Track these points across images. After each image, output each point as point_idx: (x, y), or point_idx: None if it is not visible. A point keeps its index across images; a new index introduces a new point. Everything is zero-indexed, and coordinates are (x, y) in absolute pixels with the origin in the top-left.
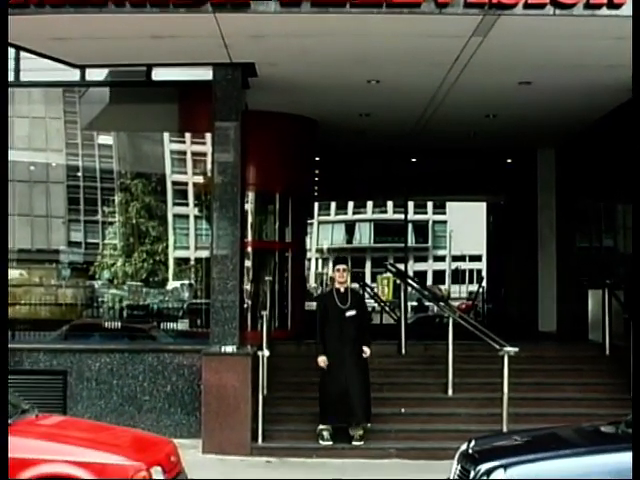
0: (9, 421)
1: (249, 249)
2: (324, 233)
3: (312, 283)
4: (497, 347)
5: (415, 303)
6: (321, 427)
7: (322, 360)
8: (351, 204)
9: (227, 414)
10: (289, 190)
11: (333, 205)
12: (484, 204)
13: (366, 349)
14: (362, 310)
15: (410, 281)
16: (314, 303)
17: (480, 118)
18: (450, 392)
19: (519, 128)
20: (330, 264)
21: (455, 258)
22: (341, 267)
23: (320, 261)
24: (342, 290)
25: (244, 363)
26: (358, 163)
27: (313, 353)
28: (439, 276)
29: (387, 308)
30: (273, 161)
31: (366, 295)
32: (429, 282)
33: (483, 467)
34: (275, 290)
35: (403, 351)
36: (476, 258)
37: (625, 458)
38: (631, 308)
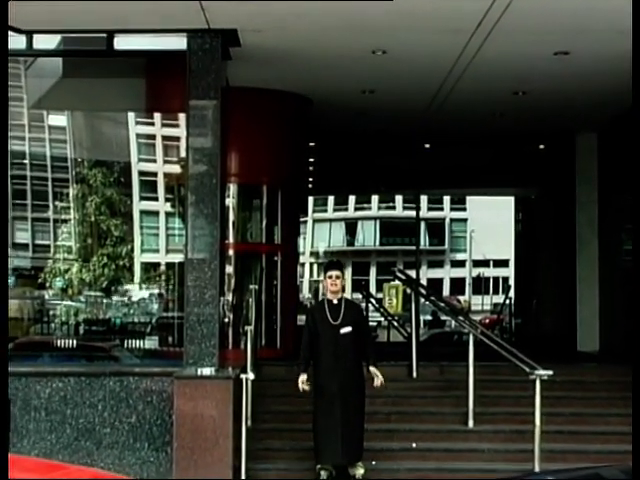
0: None
1: (231, 252)
2: (320, 233)
3: (306, 293)
4: (527, 370)
5: (429, 317)
6: (319, 466)
7: (301, 381)
8: (352, 199)
9: (204, 450)
10: (278, 182)
11: (331, 200)
12: (512, 199)
13: (376, 372)
14: (360, 325)
15: (423, 291)
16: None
17: (507, 96)
18: (471, 423)
19: (554, 108)
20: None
21: (477, 263)
22: (333, 273)
23: (315, 266)
24: (335, 302)
25: (224, 388)
26: (361, 150)
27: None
28: (458, 285)
29: (395, 323)
30: (259, 147)
31: (370, 307)
32: (446, 292)
33: None
34: (262, 301)
35: (414, 374)
36: (502, 263)
37: None
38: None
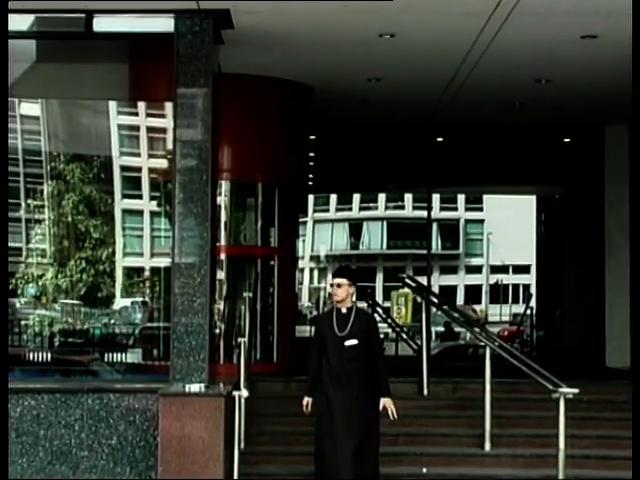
0: None
1: (222, 256)
2: (321, 235)
3: (306, 301)
4: (550, 387)
5: (441, 329)
6: None
7: (305, 403)
8: (357, 197)
9: (192, 474)
10: (275, 179)
11: (333, 199)
12: (533, 198)
13: (387, 402)
14: (369, 338)
15: (435, 299)
16: (308, 328)
17: (529, 83)
18: (487, 447)
19: (581, 97)
20: (329, 276)
21: (495, 269)
22: (334, 282)
23: (316, 272)
24: (344, 310)
25: (215, 407)
26: (366, 144)
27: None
28: (473, 293)
29: (404, 335)
30: (254, 140)
31: (376, 317)
32: (460, 301)
33: None
34: (257, 310)
35: (425, 391)
36: (522, 269)
37: None
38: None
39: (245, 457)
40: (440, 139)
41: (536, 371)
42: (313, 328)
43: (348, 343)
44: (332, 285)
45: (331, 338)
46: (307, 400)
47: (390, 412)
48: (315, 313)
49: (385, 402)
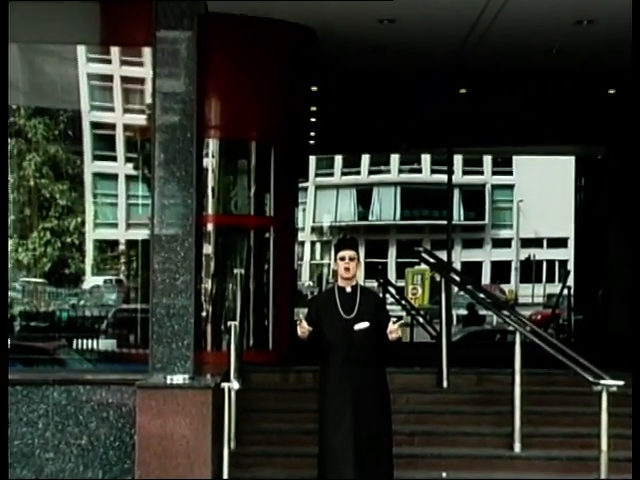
0: None
1: (210, 227)
2: (325, 203)
3: (306, 279)
4: (591, 379)
5: (464, 311)
6: None
7: (300, 328)
8: (366, 159)
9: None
10: (271, 137)
11: (338, 160)
12: (571, 159)
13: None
14: (380, 320)
15: (456, 278)
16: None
17: (567, 25)
18: (517, 448)
19: (628, 40)
20: (332, 250)
21: (526, 243)
22: (346, 254)
23: (318, 246)
24: (348, 290)
25: (201, 401)
26: (377, 96)
27: (307, 385)
28: (502, 270)
29: (421, 319)
30: (247, 92)
31: (388, 299)
32: (486, 280)
33: None
34: (249, 290)
35: (445, 383)
36: (559, 243)
37: None
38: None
39: (236, 459)
40: (463, 90)
41: (574, 360)
42: (307, 311)
43: (358, 327)
44: (342, 259)
45: (336, 322)
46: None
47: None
48: (321, 291)
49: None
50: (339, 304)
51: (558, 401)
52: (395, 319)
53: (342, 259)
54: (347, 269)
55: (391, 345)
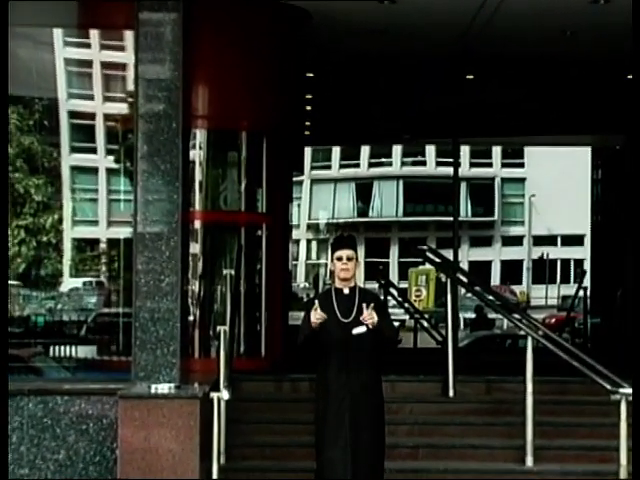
0: None
1: (197, 224)
2: (321, 199)
3: (301, 281)
4: (609, 387)
5: (472, 315)
6: None
7: (316, 314)
8: (366, 151)
9: None
10: (263, 127)
11: (336, 152)
12: (588, 150)
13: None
14: (381, 319)
15: (464, 278)
16: (304, 314)
17: (582, 5)
18: (530, 462)
19: None
20: (329, 249)
21: (539, 240)
22: (344, 253)
23: (315, 245)
24: (346, 292)
25: (188, 412)
26: (378, 83)
27: (303, 394)
28: (512, 270)
29: (425, 323)
30: (237, 79)
31: (390, 301)
32: (495, 280)
33: None
34: (240, 292)
35: (451, 392)
36: (574, 240)
37: None
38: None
39: (226, 474)
40: (470, 76)
41: (591, 367)
42: (303, 315)
43: (357, 331)
44: (339, 259)
45: (334, 326)
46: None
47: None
48: (316, 294)
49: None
50: (336, 307)
51: (573, 411)
52: (367, 306)
53: (339, 259)
54: (345, 269)
55: (390, 348)
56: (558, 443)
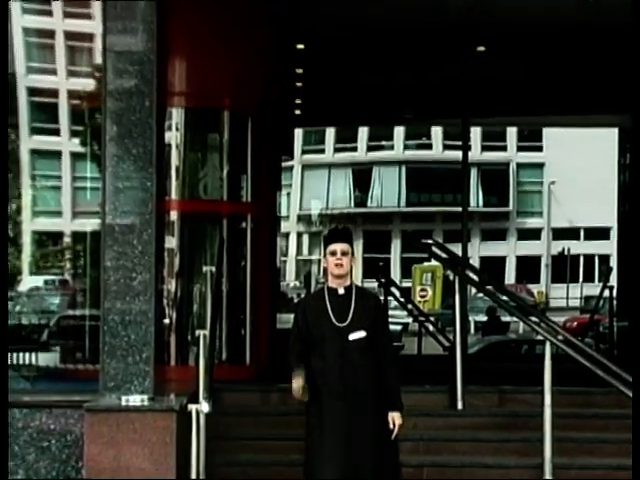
0: None
1: (174, 215)
2: (314, 186)
3: (291, 279)
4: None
5: (483, 318)
6: None
7: (296, 384)
8: (364, 132)
9: None
10: (248, 106)
11: (330, 134)
12: (614, 131)
13: (395, 417)
14: (379, 327)
15: (474, 277)
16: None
17: None
18: None
19: None
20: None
21: (559, 234)
22: (338, 248)
23: (306, 239)
24: (341, 291)
25: (163, 427)
26: (376, 57)
27: (292, 407)
28: (529, 268)
29: (431, 326)
30: (218, 51)
31: (391, 302)
32: (510, 279)
33: None
34: (222, 292)
35: (460, 404)
36: (599, 234)
37: None
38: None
39: None
40: (481, 48)
41: (617, 376)
42: (294, 317)
43: (354, 336)
44: (333, 253)
45: (328, 330)
46: (298, 380)
47: (396, 424)
48: (308, 294)
49: (394, 417)
50: (330, 309)
51: (598, 426)
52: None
53: (333, 254)
54: (339, 265)
55: (396, 364)
56: (581, 462)
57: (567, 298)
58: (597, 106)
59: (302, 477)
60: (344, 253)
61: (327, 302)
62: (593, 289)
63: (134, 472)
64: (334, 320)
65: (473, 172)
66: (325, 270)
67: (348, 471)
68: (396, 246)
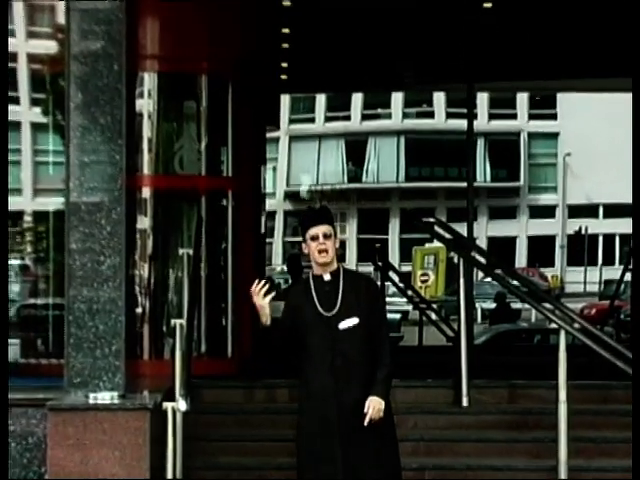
0: None
1: (146, 192)
2: (303, 159)
3: (277, 263)
4: None
5: (491, 305)
6: None
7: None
8: (358, 99)
9: None
10: (228, 70)
11: (321, 101)
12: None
13: (374, 401)
14: (373, 313)
15: (481, 259)
16: (282, 305)
17: None
18: None
19: None
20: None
21: (576, 211)
22: (319, 231)
23: (295, 218)
24: (327, 277)
25: (136, 427)
26: (371, 13)
27: (279, 404)
28: (542, 249)
29: (433, 314)
30: (194, 9)
31: (389, 288)
32: (521, 262)
33: None
34: (200, 277)
35: (465, 401)
36: (619, 211)
37: None
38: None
39: None
40: (488, 4)
41: None
42: (284, 307)
43: (344, 325)
44: (314, 238)
45: (314, 321)
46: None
47: (370, 411)
48: (295, 283)
49: (372, 402)
50: (316, 298)
51: (617, 423)
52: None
53: (314, 238)
54: (323, 252)
55: (390, 344)
56: (598, 463)
57: (584, 283)
58: (617, 69)
59: None
60: (326, 236)
61: (312, 290)
62: (613, 272)
63: (103, 477)
64: (321, 309)
65: (480, 143)
66: (307, 256)
67: (346, 472)
68: (394, 226)
